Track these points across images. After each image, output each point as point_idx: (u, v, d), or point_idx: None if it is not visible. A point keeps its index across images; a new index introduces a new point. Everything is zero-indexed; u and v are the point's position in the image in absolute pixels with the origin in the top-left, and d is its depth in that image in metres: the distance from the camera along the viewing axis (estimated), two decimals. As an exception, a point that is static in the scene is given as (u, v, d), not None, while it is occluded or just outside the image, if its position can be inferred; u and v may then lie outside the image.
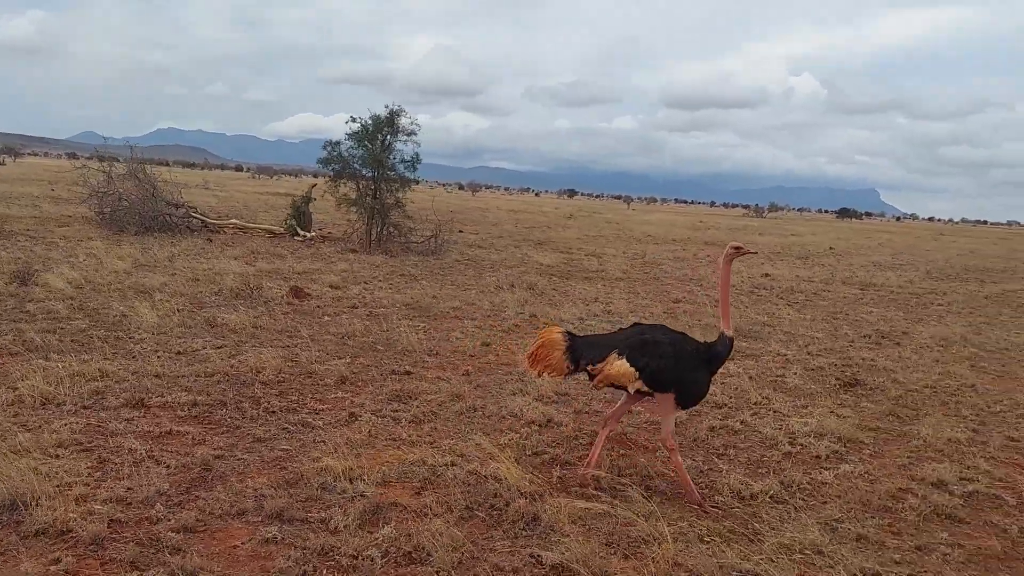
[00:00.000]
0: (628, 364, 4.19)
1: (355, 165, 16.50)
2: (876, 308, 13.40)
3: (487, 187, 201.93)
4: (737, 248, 4.56)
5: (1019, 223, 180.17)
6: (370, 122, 16.26)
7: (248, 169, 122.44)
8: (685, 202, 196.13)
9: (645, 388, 4.22)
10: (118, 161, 17.74)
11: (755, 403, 6.53)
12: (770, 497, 4.50)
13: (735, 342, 4.66)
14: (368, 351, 7.49)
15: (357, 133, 16.42)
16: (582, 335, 4.59)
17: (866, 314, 12.53)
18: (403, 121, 16.45)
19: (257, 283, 10.42)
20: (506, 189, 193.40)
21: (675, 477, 4.53)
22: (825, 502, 4.52)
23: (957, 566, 3.81)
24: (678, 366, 4.22)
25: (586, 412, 5.96)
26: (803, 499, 4.53)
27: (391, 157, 16.56)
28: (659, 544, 3.65)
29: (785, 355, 8.75)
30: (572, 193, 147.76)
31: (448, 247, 17.95)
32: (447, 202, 56.87)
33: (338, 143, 16.58)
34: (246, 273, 11.52)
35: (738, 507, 4.35)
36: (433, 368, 7.03)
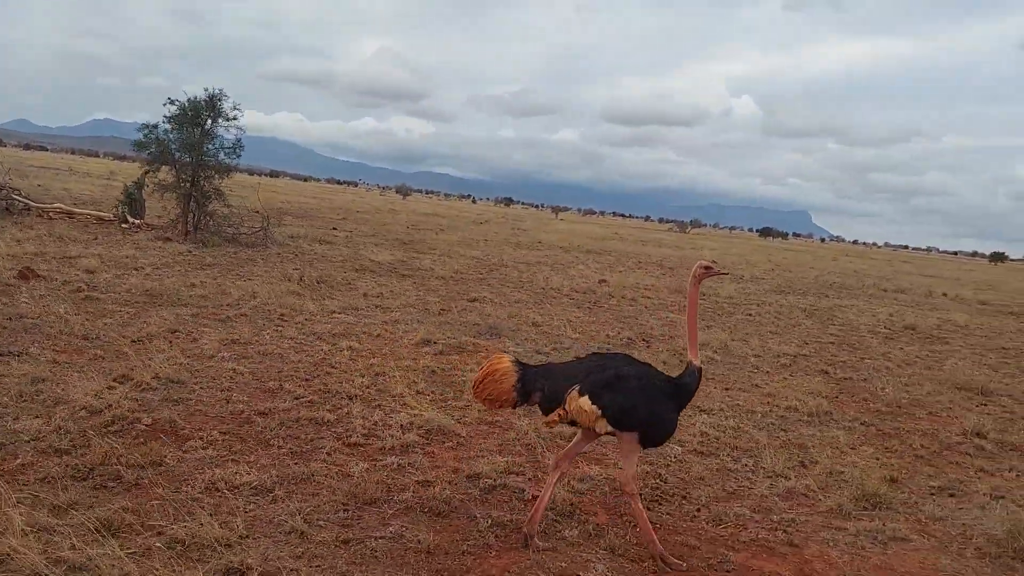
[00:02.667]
0: (590, 402, 3.70)
1: (172, 149, 15.73)
2: (674, 314, 13.39)
3: (427, 192, 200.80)
4: (707, 268, 4.06)
5: (938, 249, 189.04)
6: (187, 104, 15.54)
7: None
8: (623, 215, 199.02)
9: (609, 429, 3.75)
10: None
11: (394, 395, 6.22)
12: (253, 488, 4.14)
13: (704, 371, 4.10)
14: (15, 333, 6.88)
15: (176, 116, 15.67)
16: (535, 365, 4.05)
17: (656, 319, 12.50)
18: (225, 106, 15.79)
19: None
20: (445, 195, 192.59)
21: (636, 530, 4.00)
22: (316, 494, 4.18)
23: (354, 558, 3.51)
24: (645, 403, 3.75)
25: (173, 400, 5.50)
26: (290, 490, 4.18)
27: (212, 143, 15.86)
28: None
29: (503, 351, 8.50)
30: (509, 202, 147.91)
31: (284, 240, 17.41)
32: (368, 203, 56.49)
33: (155, 126, 15.80)
34: (-4, 254, 10.71)
35: (205, 498, 3.97)
36: (65, 352, 6.49)
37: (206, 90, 16.02)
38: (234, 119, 15.87)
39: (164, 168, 16.17)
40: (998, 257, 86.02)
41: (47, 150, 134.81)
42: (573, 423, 3.83)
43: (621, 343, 10.06)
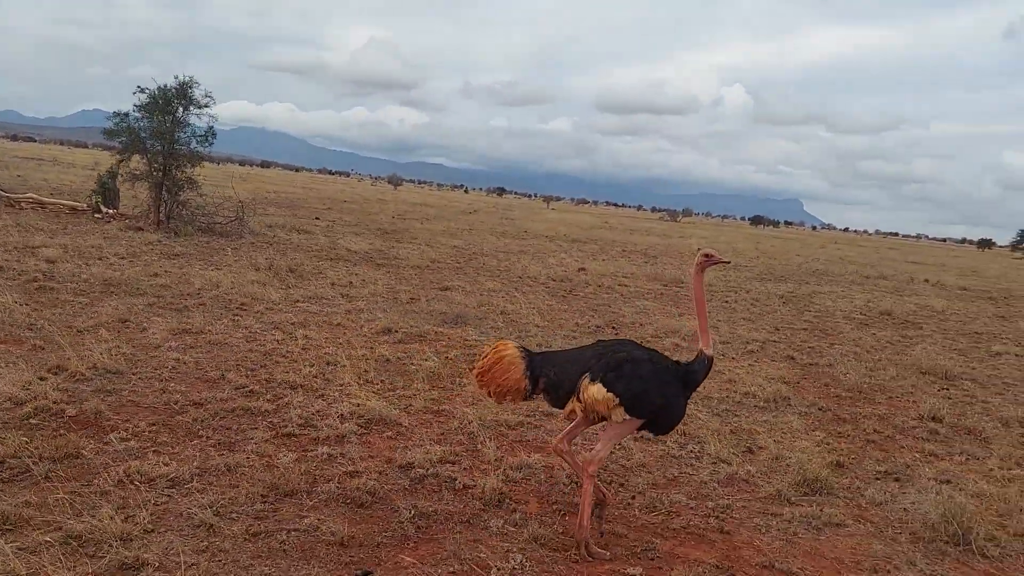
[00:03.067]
0: (605, 389, 3.56)
1: (143, 137, 15.51)
2: (649, 302, 13.31)
3: (419, 182, 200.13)
4: (708, 256, 3.98)
5: (927, 236, 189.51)
6: (158, 92, 15.31)
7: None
8: (616, 205, 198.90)
9: (625, 417, 3.60)
10: None
11: (340, 385, 6.10)
12: (169, 480, 4.02)
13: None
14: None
15: (146, 105, 15.45)
16: (541, 351, 3.92)
17: (631, 307, 12.40)
18: (196, 93, 15.57)
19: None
20: (439, 185, 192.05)
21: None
22: (236, 486, 4.07)
23: (260, 552, 3.41)
24: (659, 389, 3.64)
25: (106, 391, 5.37)
26: (209, 483, 4.07)
27: (184, 131, 15.65)
28: None
29: (465, 340, 8.41)
30: (501, 192, 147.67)
31: (262, 230, 17.28)
32: (357, 193, 56.19)
33: (127, 114, 15.57)
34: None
35: (115, 492, 3.85)
36: (4, 342, 6.37)
37: (176, 78, 15.81)
38: (206, 107, 15.67)
39: (136, 157, 15.97)
40: (986, 243, 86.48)
41: (35, 141, 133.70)
42: (589, 415, 3.70)
43: (590, 330, 9.96)
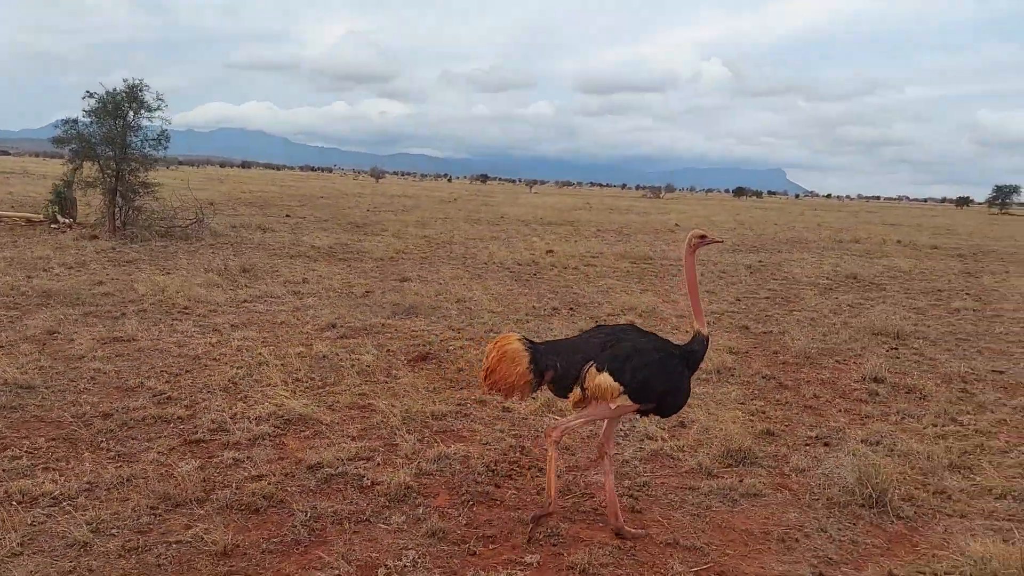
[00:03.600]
0: (612, 378, 3.54)
1: (94, 143, 15.19)
2: (613, 280, 13.18)
3: (403, 174, 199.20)
4: (701, 237, 3.96)
5: (908, 198, 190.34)
6: (107, 96, 14.98)
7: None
8: (600, 185, 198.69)
9: (627, 404, 3.60)
10: None
11: (266, 386, 5.93)
12: (53, 498, 3.85)
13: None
14: None
15: (96, 110, 15.11)
16: (543, 342, 3.82)
17: (593, 287, 12.25)
18: (147, 96, 15.24)
19: None
20: (422, 176, 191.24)
21: None
22: (126, 499, 3.89)
23: (133, 568, 3.24)
24: (665, 375, 3.63)
25: (10, 408, 5.18)
26: (96, 497, 3.90)
27: (136, 135, 15.35)
28: None
29: (412, 331, 8.24)
30: (485, 179, 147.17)
31: (224, 231, 17.03)
32: (337, 188, 55.79)
33: (76, 121, 15.24)
34: None
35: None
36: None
37: (125, 81, 15.47)
38: (157, 109, 15.35)
39: (88, 164, 15.66)
40: (963, 202, 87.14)
41: (9, 154, 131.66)
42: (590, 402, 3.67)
43: (545, 313, 9.81)
